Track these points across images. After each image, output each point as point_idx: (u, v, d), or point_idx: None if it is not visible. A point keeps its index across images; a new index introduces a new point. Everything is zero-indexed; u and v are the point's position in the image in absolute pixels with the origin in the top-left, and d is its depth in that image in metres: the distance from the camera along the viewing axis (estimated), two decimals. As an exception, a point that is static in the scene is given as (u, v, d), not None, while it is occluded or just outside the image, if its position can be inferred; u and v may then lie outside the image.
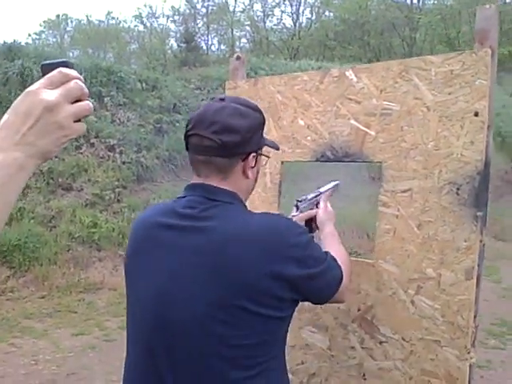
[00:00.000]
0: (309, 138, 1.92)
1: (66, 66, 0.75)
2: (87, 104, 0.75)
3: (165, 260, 1.20)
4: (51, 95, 0.71)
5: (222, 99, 1.27)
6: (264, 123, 1.32)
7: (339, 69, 1.87)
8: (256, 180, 1.34)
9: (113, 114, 10.59)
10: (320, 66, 12.51)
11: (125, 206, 8.57)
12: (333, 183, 1.87)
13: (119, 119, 10.54)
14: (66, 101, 0.73)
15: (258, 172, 1.33)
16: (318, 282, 1.25)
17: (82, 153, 9.46)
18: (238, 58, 2.24)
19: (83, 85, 0.75)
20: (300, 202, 1.78)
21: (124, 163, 9.52)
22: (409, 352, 1.59)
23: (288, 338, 1.31)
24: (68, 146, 9.29)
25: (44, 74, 0.75)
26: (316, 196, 1.81)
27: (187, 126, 1.26)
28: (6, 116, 0.73)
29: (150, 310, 1.20)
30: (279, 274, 1.15)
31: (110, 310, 6.16)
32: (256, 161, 1.28)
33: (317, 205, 1.78)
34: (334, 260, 1.32)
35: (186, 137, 1.25)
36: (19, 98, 0.73)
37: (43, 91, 0.72)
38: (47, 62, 0.76)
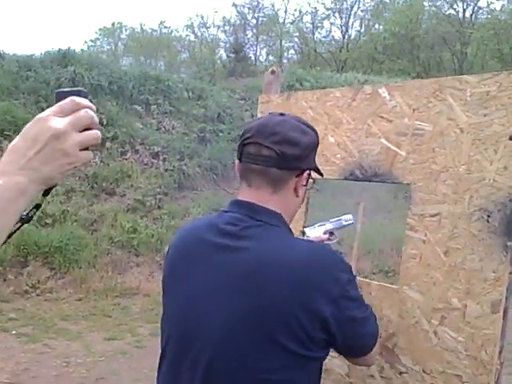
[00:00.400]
0: (338, 155, 1.87)
1: (80, 95, 0.76)
2: (95, 133, 0.76)
3: (199, 278, 1.19)
4: (60, 123, 0.73)
5: (282, 114, 1.26)
6: (318, 145, 1.30)
7: (372, 86, 1.82)
8: (303, 200, 1.30)
9: (159, 122, 10.81)
10: (366, 80, 12.36)
11: (165, 213, 8.68)
12: (347, 220, 1.84)
13: (164, 127, 10.74)
14: (74, 129, 0.74)
15: (305, 192, 1.30)
16: (352, 329, 1.16)
17: (126, 159, 9.68)
18: (273, 72, 2.22)
19: (94, 114, 0.76)
20: (309, 228, 1.73)
21: (166, 170, 9.67)
22: (430, 385, 1.51)
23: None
24: (113, 152, 9.53)
25: (58, 101, 0.76)
26: (324, 225, 1.80)
27: (243, 134, 1.23)
28: (15, 140, 0.74)
29: (179, 328, 1.20)
30: (311, 309, 1.09)
31: (144, 316, 6.22)
32: (307, 180, 1.26)
33: (330, 234, 1.74)
34: (374, 315, 1.24)
35: (242, 145, 1.22)
36: (30, 123, 0.75)
37: (52, 118, 0.73)
38: (62, 89, 0.78)
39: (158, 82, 11.34)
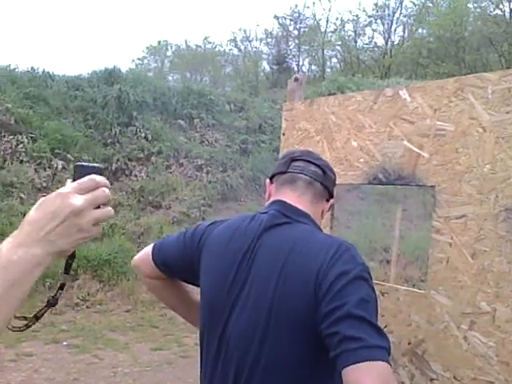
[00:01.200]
0: (361, 159, 1.85)
1: (97, 172, 0.82)
2: (109, 210, 0.81)
3: (227, 270, 1.25)
4: (79, 201, 0.78)
5: None
6: None
7: (393, 88, 1.80)
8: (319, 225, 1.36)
9: (202, 135, 10.99)
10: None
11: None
12: None
13: (207, 140, 10.91)
14: (91, 207, 0.79)
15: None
16: (344, 327, 1.03)
17: (171, 172, 9.89)
18: (296, 79, 2.23)
19: (109, 192, 0.81)
20: None
21: (210, 182, 9.80)
22: (460, 393, 1.46)
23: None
24: (159, 166, 9.76)
25: (75, 172, 0.82)
26: None
27: (288, 154, 1.40)
28: (32, 211, 0.79)
29: (211, 318, 1.27)
30: (317, 294, 1.10)
31: (189, 326, 6.21)
32: (329, 209, 1.42)
33: None
34: (386, 337, 1.06)
35: (291, 160, 1.36)
36: (50, 197, 0.79)
37: (73, 196, 0.78)
38: (82, 163, 0.84)
39: (200, 96, 11.55)
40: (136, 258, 1.51)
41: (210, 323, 1.28)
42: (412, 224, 10.04)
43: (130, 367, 4.91)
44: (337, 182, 1.93)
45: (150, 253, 1.46)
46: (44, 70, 11.20)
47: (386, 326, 1.65)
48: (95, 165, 0.85)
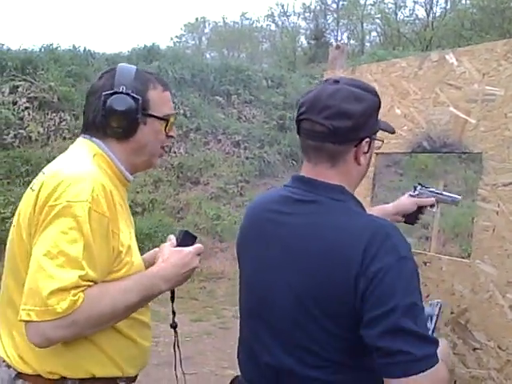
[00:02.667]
0: (405, 127, 1.82)
1: (195, 239, 1.35)
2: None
3: (259, 253, 1.22)
4: (197, 261, 1.30)
5: (336, 81, 1.19)
6: (380, 107, 1.23)
7: (439, 53, 1.74)
8: (368, 165, 1.25)
9: (239, 111, 10.98)
10: (453, 57, 11.73)
11: (246, 200, 8.83)
12: (454, 196, 1.83)
13: (245, 116, 10.89)
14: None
15: (370, 157, 1.24)
16: (386, 324, 0.99)
17: (209, 149, 9.95)
18: (338, 47, 2.19)
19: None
20: (421, 186, 1.78)
21: (247, 158, 9.81)
22: (505, 362, 1.44)
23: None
24: (197, 143, 9.83)
25: (182, 235, 1.34)
26: (436, 193, 1.79)
27: (299, 109, 1.21)
28: (174, 257, 1.27)
29: (248, 300, 1.27)
30: (357, 283, 1.03)
31: (228, 299, 6.39)
32: (369, 146, 1.19)
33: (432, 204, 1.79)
34: (433, 341, 1.03)
35: (298, 121, 1.21)
36: (186, 252, 1.28)
37: (196, 257, 1.30)
38: (187, 230, 1.35)
39: (238, 72, 11.51)
40: None
41: (249, 304, 1.27)
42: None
43: (171, 337, 5.04)
44: (380, 151, 1.91)
45: None
46: (85, 49, 11.38)
47: (428, 296, 1.64)
48: (194, 234, 1.36)
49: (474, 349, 1.53)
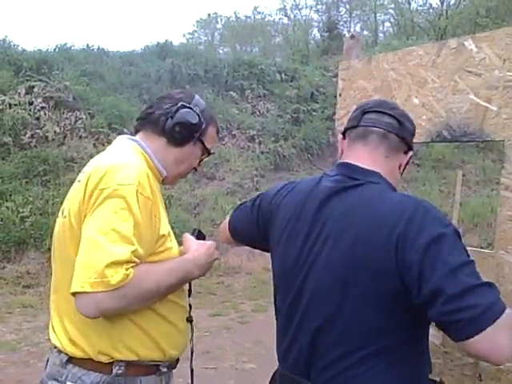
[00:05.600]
0: (424, 117, 1.78)
1: (205, 236, 1.52)
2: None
3: (299, 236, 1.24)
4: (218, 253, 1.47)
5: None
6: None
7: (457, 39, 1.70)
8: (398, 181, 1.32)
9: (253, 106, 10.97)
10: (469, 45, 11.56)
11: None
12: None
13: (259, 110, 10.88)
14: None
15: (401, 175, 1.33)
16: (449, 283, 1.00)
17: (224, 144, 9.96)
18: (353, 36, 2.16)
19: None
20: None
21: (262, 153, 9.81)
22: (531, 354, 1.40)
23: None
24: (212, 138, 9.83)
25: (196, 233, 1.52)
26: None
27: (361, 107, 1.31)
28: (203, 248, 1.42)
29: (286, 282, 1.27)
30: (403, 258, 1.05)
31: (246, 293, 6.41)
32: (408, 162, 1.31)
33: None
34: (494, 286, 1.05)
35: (362, 113, 1.29)
36: (209, 245, 1.45)
37: (216, 250, 1.46)
38: (200, 229, 1.54)
39: (251, 66, 11.49)
40: (221, 226, 1.62)
41: (286, 287, 1.27)
42: (471, 190, 9.72)
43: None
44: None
45: (227, 225, 1.55)
46: (99, 47, 11.49)
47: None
48: (203, 234, 1.53)
49: (499, 341, 1.49)
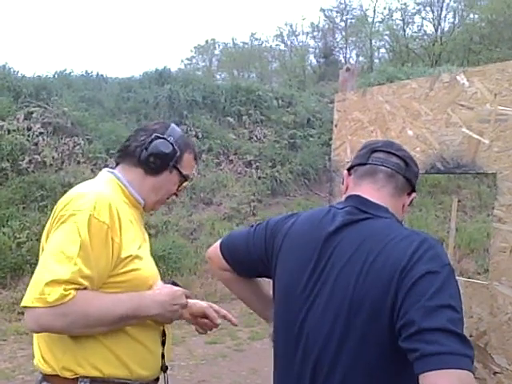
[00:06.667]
0: (418, 148, 1.81)
1: (178, 284, 1.51)
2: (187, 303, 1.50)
3: (301, 269, 1.25)
4: (185, 300, 1.46)
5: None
6: None
7: (450, 74, 1.75)
8: (401, 220, 1.33)
9: (250, 132, 11.05)
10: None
11: (259, 220, 8.83)
12: None
13: (256, 136, 10.95)
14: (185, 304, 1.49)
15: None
16: (428, 321, 0.99)
17: (221, 169, 10.01)
18: (348, 69, 2.20)
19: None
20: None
21: (259, 178, 9.84)
22: (527, 386, 1.41)
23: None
24: (209, 164, 9.89)
25: (168, 282, 1.49)
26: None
27: (370, 145, 1.35)
28: (167, 290, 1.43)
29: (287, 318, 1.27)
30: (395, 291, 1.07)
31: (243, 320, 6.34)
32: (409, 203, 1.34)
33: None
34: (471, 346, 1.01)
35: (371, 151, 1.32)
36: (178, 290, 1.45)
37: (184, 297, 1.46)
38: (173, 280, 1.53)
39: (248, 92, 11.61)
40: (209, 249, 1.56)
41: (287, 319, 1.27)
42: (467, 215, 9.75)
43: (186, 360, 5.02)
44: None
45: (219, 246, 1.50)
46: (98, 73, 11.61)
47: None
48: (180, 284, 1.52)
49: (495, 373, 1.50)
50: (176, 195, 1.63)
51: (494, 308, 1.51)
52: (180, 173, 1.55)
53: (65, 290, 1.22)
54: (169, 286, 1.46)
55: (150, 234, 6.59)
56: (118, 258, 1.34)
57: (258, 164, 10.10)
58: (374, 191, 1.27)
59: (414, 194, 1.34)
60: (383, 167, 1.29)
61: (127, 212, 1.44)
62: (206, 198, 9.33)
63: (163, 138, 1.50)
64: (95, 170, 8.73)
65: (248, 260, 1.43)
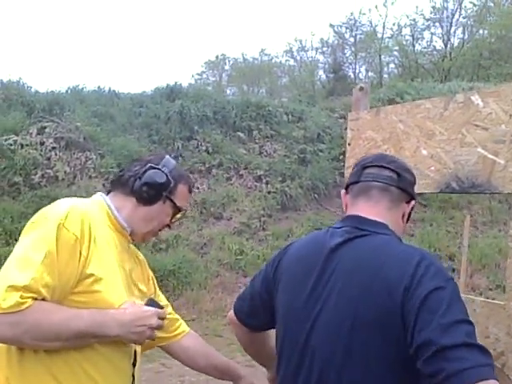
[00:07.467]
0: (432, 168, 1.82)
1: (161, 307, 1.44)
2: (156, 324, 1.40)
3: (304, 286, 1.26)
4: (155, 322, 1.37)
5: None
6: None
7: (464, 94, 1.76)
8: (404, 229, 1.36)
9: (260, 146, 11.09)
10: (471, 87, 11.71)
11: (269, 234, 8.84)
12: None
13: (266, 151, 10.99)
14: (157, 327, 1.39)
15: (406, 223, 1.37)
16: (451, 356, 0.98)
17: (231, 184, 10.04)
18: (361, 88, 2.23)
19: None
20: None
21: (269, 193, 9.85)
22: (546, 409, 1.40)
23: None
24: (219, 178, 9.94)
25: (147, 302, 1.42)
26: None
27: (360, 162, 1.37)
28: (136, 309, 1.35)
29: (292, 335, 1.28)
30: (399, 308, 1.08)
31: (253, 336, 6.32)
32: (411, 211, 1.35)
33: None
34: (490, 354, 1.02)
35: (362, 168, 1.34)
36: (146, 309, 1.37)
37: (155, 317, 1.37)
38: (152, 298, 1.48)
39: (258, 108, 11.67)
40: (229, 313, 1.57)
41: (291, 337, 1.28)
42: (478, 231, 9.68)
43: (196, 376, 4.99)
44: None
45: (233, 311, 1.53)
46: (110, 89, 11.74)
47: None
48: (160, 303, 1.47)
49: (513, 394, 1.49)
50: (169, 227, 1.60)
51: (511, 328, 1.51)
52: (174, 204, 1.53)
53: (21, 297, 1.17)
54: (138, 305, 1.38)
55: (160, 249, 6.58)
56: (83, 274, 1.29)
57: (268, 179, 10.13)
58: (370, 208, 1.29)
59: (413, 202, 1.35)
60: (376, 182, 1.31)
61: (107, 234, 1.42)
62: (217, 213, 9.36)
63: (157, 169, 1.50)
64: (107, 184, 8.80)
65: (262, 309, 1.44)
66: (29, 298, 1.18)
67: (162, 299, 1.70)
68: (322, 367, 1.18)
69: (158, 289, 1.72)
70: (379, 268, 1.14)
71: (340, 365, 1.15)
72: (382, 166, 1.32)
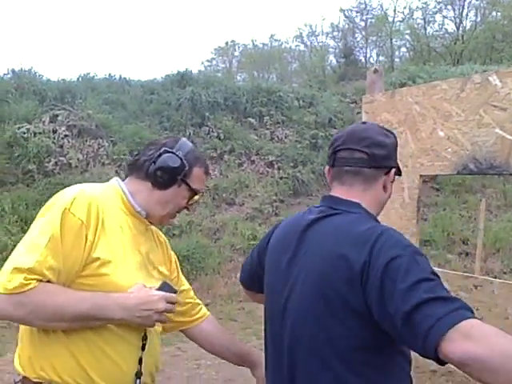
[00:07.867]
0: (449, 149, 1.82)
1: (175, 291, 1.43)
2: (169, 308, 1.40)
3: (280, 264, 1.34)
4: (163, 305, 1.36)
5: (364, 123, 1.43)
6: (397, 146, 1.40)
7: (481, 74, 1.75)
8: (390, 195, 1.38)
9: (272, 132, 11.06)
10: (485, 70, 11.52)
11: (282, 220, 8.84)
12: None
13: (277, 136, 10.96)
14: (165, 310, 1.38)
15: (391, 187, 1.39)
16: (410, 300, 1.01)
17: (243, 170, 10.05)
18: (376, 71, 2.22)
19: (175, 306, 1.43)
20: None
21: (281, 178, 9.85)
22: None
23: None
24: (231, 164, 9.95)
25: (162, 285, 1.41)
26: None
27: (333, 143, 1.37)
28: (143, 292, 1.35)
29: (272, 304, 1.39)
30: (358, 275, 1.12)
31: (267, 320, 6.37)
32: (394, 176, 1.36)
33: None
34: (458, 299, 1.03)
35: (334, 152, 1.35)
36: (154, 293, 1.36)
37: (162, 302, 1.36)
38: (168, 283, 1.44)
39: (269, 93, 11.62)
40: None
41: (272, 312, 1.38)
42: (492, 214, 9.61)
43: (212, 359, 5.04)
44: (423, 174, 1.91)
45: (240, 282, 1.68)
46: (121, 76, 11.77)
47: (481, 319, 1.62)
48: (175, 287, 1.46)
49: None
50: (188, 209, 1.60)
51: (529, 309, 1.51)
52: (189, 187, 1.52)
53: (25, 279, 1.21)
54: (145, 289, 1.37)
55: (174, 235, 6.62)
56: (89, 257, 1.31)
57: (279, 164, 10.12)
58: (344, 192, 1.32)
59: (393, 170, 1.35)
60: (347, 167, 1.32)
61: (120, 217, 1.43)
62: (229, 199, 9.38)
63: (172, 152, 1.49)
64: (119, 171, 8.86)
65: (259, 279, 1.53)
66: (33, 279, 1.22)
67: (183, 282, 1.72)
68: (294, 327, 1.26)
69: (180, 272, 1.73)
70: (340, 246, 1.18)
71: (309, 327, 1.22)
72: (351, 149, 1.32)
